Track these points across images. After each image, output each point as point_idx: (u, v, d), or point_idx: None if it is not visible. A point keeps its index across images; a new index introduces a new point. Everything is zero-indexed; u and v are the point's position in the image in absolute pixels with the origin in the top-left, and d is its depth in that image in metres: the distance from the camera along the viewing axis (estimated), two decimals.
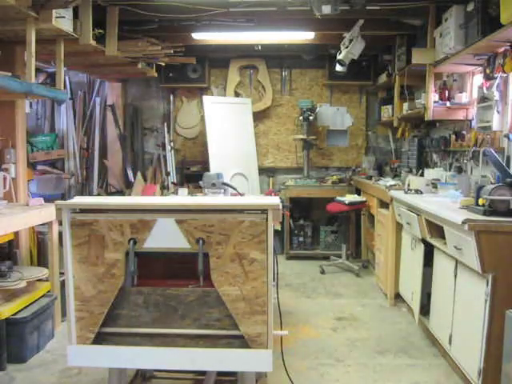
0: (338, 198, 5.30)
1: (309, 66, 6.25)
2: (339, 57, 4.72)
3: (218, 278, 2.02)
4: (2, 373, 2.93)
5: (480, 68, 3.67)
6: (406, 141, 5.32)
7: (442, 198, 3.48)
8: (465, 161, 3.95)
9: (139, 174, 6.02)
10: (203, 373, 2.56)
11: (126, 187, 6.03)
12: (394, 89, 5.13)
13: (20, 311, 3.09)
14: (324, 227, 5.96)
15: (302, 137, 6.03)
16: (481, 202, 2.67)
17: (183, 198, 3.46)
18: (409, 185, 4.04)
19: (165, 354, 2.07)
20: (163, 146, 6.21)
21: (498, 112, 3.39)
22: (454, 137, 4.14)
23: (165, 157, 6.16)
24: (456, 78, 4.19)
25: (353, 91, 6.32)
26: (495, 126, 3.42)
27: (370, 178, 5.51)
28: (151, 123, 6.43)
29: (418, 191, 3.84)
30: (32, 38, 3.15)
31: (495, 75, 3.36)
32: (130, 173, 6.12)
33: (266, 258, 2.01)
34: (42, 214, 3.31)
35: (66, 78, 6.04)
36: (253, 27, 4.64)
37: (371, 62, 5.99)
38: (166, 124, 6.23)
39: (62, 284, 3.41)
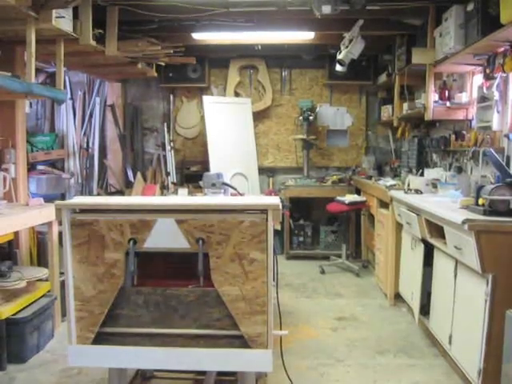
0: (338, 197, 5.30)
1: (309, 66, 6.25)
2: (339, 57, 4.72)
3: (217, 278, 2.02)
4: (2, 373, 2.93)
5: (480, 68, 3.67)
6: (405, 141, 5.32)
7: (442, 197, 3.48)
8: (465, 161, 3.94)
9: (139, 174, 6.02)
10: (203, 373, 2.56)
11: (126, 187, 6.03)
12: (393, 89, 5.13)
13: (20, 311, 3.09)
14: (324, 227, 5.96)
15: (301, 137, 6.03)
16: (481, 201, 2.67)
17: (183, 198, 3.46)
18: (409, 185, 4.04)
19: (165, 354, 2.07)
20: (163, 146, 6.21)
21: (498, 112, 3.39)
22: (453, 137, 4.14)
23: (165, 157, 6.16)
24: (456, 78, 4.19)
25: (353, 91, 6.31)
26: (495, 125, 3.42)
27: (369, 177, 5.51)
28: (151, 123, 6.43)
29: (417, 191, 3.84)
30: (32, 38, 3.15)
31: (495, 75, 3.36)
32: (129, 173, 6.12)
33: (266, 258, 2.00)
34: (42, 214, 3.31)
35: (66, 78, 6.04)
36: (253, 27, 4.64)
37: (371, 62, 5.99)
38: (165, 124, 6.23)
39: (62, 284, 3.40)
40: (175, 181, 6.01)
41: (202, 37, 5.07)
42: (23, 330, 3.05)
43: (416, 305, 3.57)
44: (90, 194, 6.12)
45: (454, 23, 3.49)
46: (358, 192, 5.66)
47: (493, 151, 2.94)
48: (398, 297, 4.18)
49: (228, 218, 2.01)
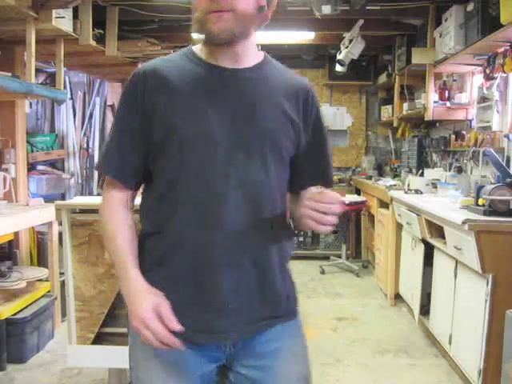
0: None
1: (309, 66, 6.23)
2: (339, 57, 4.72)
3: None
4: (2, 373, 2.92)
5: (480, 68, 3.67)
6: (405, 141, 5.32)
7: (442, 198, 3.48)
8: (465, 161, 3.94)
9: None
10: None
11: None
12: (394, 89, 5.13)
13: (20, 311, 3.09)
14: None
15: None
16: (481, 202, 2.67)
17: None
18: (409, 185, 4.04)
19: None
20: None
21: (498, 112, 3.39)
22: (453, 137, 4.14)
23: None
24: (456, 78, 4.19)
25: (353, 91, 6.31)
26: (495, 126, 3.42)
27: (370, 178, 5.51)
28: None
29: (417, 191, 3.84)
30: (32, 38, 3.14)
31: (495, 75, 3.36)
32: None
33: None
34: (42, 214, 3.31)
35: (66, 78, 6.03)
36: None
37: (371, 62, 5.99)
38: None
39: (62, 284, 3.40)
40: None
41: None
42: (23, 330, 3.04)
43: (416, 305, 3.57)
44: (90, 194, 6.11)
45: (454, 23, 3.49)
46: (358, 192, 5.66)
47: (493, 151, 2.93)
48: (398, 297, 4.18)
49: None
